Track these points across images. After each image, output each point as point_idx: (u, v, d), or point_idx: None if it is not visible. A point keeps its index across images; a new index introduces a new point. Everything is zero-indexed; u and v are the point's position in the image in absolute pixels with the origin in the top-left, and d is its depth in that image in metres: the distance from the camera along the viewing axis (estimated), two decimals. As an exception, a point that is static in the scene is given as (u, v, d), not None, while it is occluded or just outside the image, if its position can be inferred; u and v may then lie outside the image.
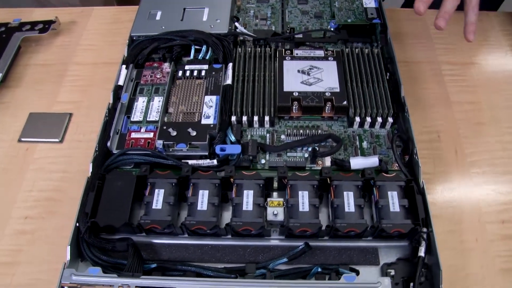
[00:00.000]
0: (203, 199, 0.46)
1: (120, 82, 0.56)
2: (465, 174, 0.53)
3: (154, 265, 0.44)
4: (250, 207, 0.45)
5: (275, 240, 0.47)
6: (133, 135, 0.52)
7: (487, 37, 0.67)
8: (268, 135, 0.54)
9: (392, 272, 0.44)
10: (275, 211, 0.45)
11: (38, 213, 0.52)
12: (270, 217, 0.45)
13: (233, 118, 0.53)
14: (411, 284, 0.43)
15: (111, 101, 0.55)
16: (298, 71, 0.56)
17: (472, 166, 0.54)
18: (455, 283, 0.46)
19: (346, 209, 0.45)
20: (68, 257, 0.44)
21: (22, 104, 0.61)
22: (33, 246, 0.50)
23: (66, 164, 0.55)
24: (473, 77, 0.62)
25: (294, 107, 0.53)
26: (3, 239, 0.50)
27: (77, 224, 0.45)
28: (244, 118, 0.53)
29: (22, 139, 0.58)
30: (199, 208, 0.45)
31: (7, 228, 0.51)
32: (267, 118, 0.53)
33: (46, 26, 0.67)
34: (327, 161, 0.50)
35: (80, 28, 0.70)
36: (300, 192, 0.46)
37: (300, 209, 0.45)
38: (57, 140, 0.57)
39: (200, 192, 0.46)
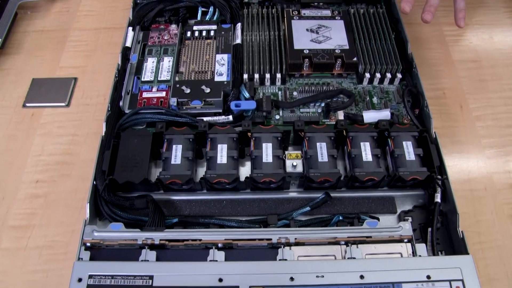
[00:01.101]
0: (222, 153, 0.46)
1: (128, 44, 0.55)
2: (471, 128, 0.55)
3: (175, 220, 0.44)
4: (270, 159, 0.45)
5: (294, 193, 0.47)
6: (145, 94, 0.51)
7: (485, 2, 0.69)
8: (280, 92, 0.54)
9: (410, 219, 0.45)
10: (294, 162, 0.46)
11: (50, 176, 0.51)
12: (289, 169, 0.46)
13: (245, 76, 0.53)
14: (429, 229, 0.44)
15: (119, 62, 0.54)
16: (307, 29, 0.56)
17: (477, 120, 0.55)
18: (468, 228, 0.47)
19: (364, 159, 0.46)
20: (88, 215, 0.43)
21: (24, 71, 0.60)
22: (47, 209, 0.49)
23: (75, 127, 0.54)
24: (473, 37, 0.64)
25: (305, 65, 0.54)
26: (15, 204, 0.49)
27: (95, 183, 0.45)
28: (256, 76, 0.53)
29: (27, 105, 0.56)
30: (219, 161, 0.45)
31: (19, 192, 0.50)
32: (278, 75, 0.53)
33: (43, -10, 0.65)
34: (340, 115, 0.51)
35: (77, -5, 0.69)
36: (318, 144, 0.46)
37: (320, 159, 0.45)
38: (63, 104, 0.56)
39: (219, 146, 0.46)
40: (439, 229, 0.45)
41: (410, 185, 0.47)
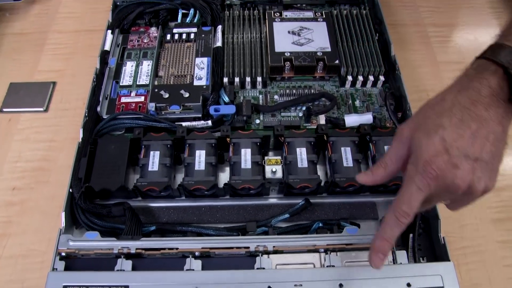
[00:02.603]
0: (200, 159, 0.45)
1: (107, 47, 0.55)
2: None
3: (153, 228, 0.44)
4: (249, 165, 0.45)
5: (273, 199, 0.47)
6: (123, 99, 0.51)
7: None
8: (261, 96, 0.53)
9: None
10: (274, 168, 0.45)
11: (26, 183, 0.50)
12: (268, 175, 0.45)
13: (225, 80, 0.52)
14: (410, 235, 0.44)
15: (98, 66, 0.53)
16: (289, 32, 0.55)
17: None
18: (451, 234, 0.47)
19: (345, 164, 0.45)
20: (63, 224, 0.42)
21: (1, 75, 0.59)
22: (24, 217, 0.48)
23: (53, 133, 0.53)
24: (457, 38, 0.63)
25: (286, 67, 0.53)
26: (-9, 211, 0.48)
27: (71, 190, 0.44)
28: (237, 79, 0.52)
29: (4, 110, 0.55)
30: (196, 168, 0.45)
31: (-6, 199, 0.49)
32: (259, 78, 0.52)
33: (20, -8, 0.64)
34: (322, 119, 0.50)
35: (56, -4, 0.68)
36: (298, 149, 0.46)
37: (299, 165, 0.45)
38: (41, 109, 0.55)
39: (197, 152, 0.46)
40: (421, 235, 0.44)
41: (392, 190, 0.46)
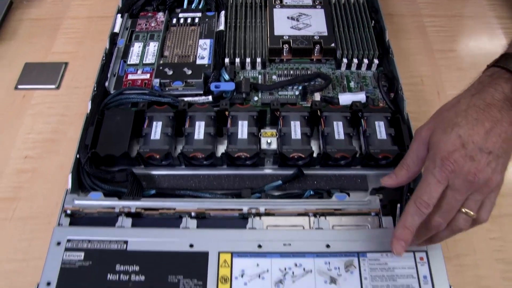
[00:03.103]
0: (200, 129, 0.48)
1: (116, 30, 0.58)
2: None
3: (153, 192, 0.46)
4: (245, 136, 0.47)
5: (268, 169, 0.49)
6: (130, 76, 0.54)
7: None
8: (260, 76, 0.56)
9: (380, 196, 0.47)
10: (269, 140, 0.48)
11: (38, 153, 0.53)
12: (264, 146, 0.48)
13: (226, 60, 0.55)
14: (398, 205, 0.45)
15: (107, 46, 0.56)
16: (288, 17, 0.58)
17: (453, 106, 0.57)
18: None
19: (336, 137, 0.47)
20: (70, 185, 0.45)
21: (17, 56, 0.62)
22: (34, 183, 0.51)
23: (63, 108, 0.57)
24: (454, 28, 0.65)
25: (284, 50, 0.56)
26: (4, 178, 0.51)
27: (78, 156, 0.47)
28: (237, 60, 0.55)
29: (19, 87, 0.59)
30: (196, 137, 0.47)
31: (7, 168, 0.52)
32: (259, 59, 0.55)
33: (39, -19, 0.68)
34: (317, 97, 0.53)
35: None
36: (292, 122, 0.48)
37: (293, 137, 0.47)
38: (53, 86, 0.58)
39: (197, 123, 0.48)
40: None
41: (382, 164, 0.48)
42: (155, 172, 0.49)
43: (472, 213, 0.35)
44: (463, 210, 0.35)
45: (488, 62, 0.56)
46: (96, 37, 0.64)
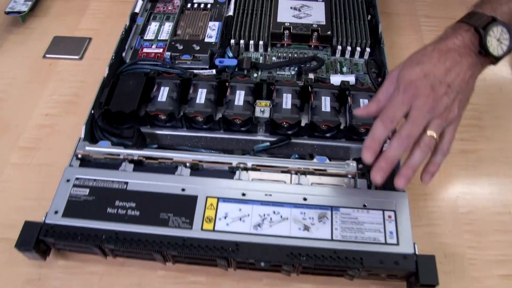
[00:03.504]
0: (201, 95, 0.53)
1: (136, 10, 0.65)
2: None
3: (155, 146, 0.52)
4: (241, 103, 0.52)
5: (261, 136, 0.54)
6: (145, 50, 0.60)
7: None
8: (261, 57, 0.61)
9: (360, 166, 0.51)
10: (262, 109, 0.53)
11: (57, 112, 0.60)
12: (257, 113, 0.53)
13: (232, 41, 0.61)
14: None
15: (127, 23, 0.63)
16: (291, 7, 0.64)
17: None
18: (414, 185, 0.51)
19: (323, 109, 0.52)
20: (83, 135, 0.51)
21: (47, 30, 0.70)
22: (51, 137, 0.57)
23: (84, 75, 0.63)
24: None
25: (285, 35, 0.61)
26: (26, 130, 0.58)
27: (92, 111, 0.53)
28: (242, 42, 0.61)
29: (47, 56, 0.66)
30: (197, 101, 0.53)
31: (30, 122, 0.59)
32: (261, 42, 0.61)
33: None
34: (311, 77, 0.58)
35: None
36: (284, 94, 0.53)
37: (284, 106, 0.52)
38: (77, 57, 0.65)
39: (200, 90, 0.54)
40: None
41: (364, 133, 0.52)
42: (159, 132, 0.54)
43: (435, 135, 0.40)
44: (427, 132, 0.40)
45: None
46: (118, 18, 0.70)
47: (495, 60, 0.44)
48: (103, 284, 0.46)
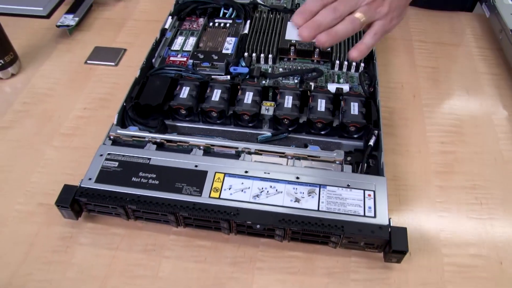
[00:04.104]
0: (216, 94, 0.63)
1: (166, 26, 0.76)
2: (418, 109, 0.69)
3: (175, 134, 0.61)
4: (249, 101, 0.62)
5: (265, 131, 0.63)
6: (172, 58, 0.71)
7: (455, 30, 0.84)
8: (270, 69, 0.71)
9: (349, 158, 0.59)
10: (267, 108, 0.62)
11: (94, 106, 0.70)
12: (263, 111, 0.62)
13: (245, 54, 0.71)
14: (360, 164, 0.58)
15: (158, 36, 0.74)
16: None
17: (426, 106, 0.69)
18: (398, 177, 0.60)
19: (319, 109, 0.61)
20: (115, 121, 0.61)
21: (89, 41, 0.82)
22: (87, 126, 0.67)
23: (118, 78, 0.74)
24: (438, 52, 0.79)
25: (291, 50, 0.71)
26: (67, 121, 0.68)
27: (124, 104, 0.63)
28: (254, 54, 0.71)
29: (88, 62, 0.77)
30: (213, 99, 0.62)
31: (70, 114, 0.69)
32: (270, 56, 0.71)
33: (114, -8, 0.89)
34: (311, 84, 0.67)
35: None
36: (286, 96, 0.63)
37: (285, 105, 0.61)
38: (113, 63, 0.77)
39: (215, 90, 0.64)
40: (371, 167, 0.58)
41: (354, 135, 0.61)
42: (179, 124, 0.64)
43: (359, 16, 0.47)
44: (357, 13, 0.47)
45: (462, 80, 0.71)
46: (149, 34, 0.82)
47: None
48: (123, 243, 0.54)
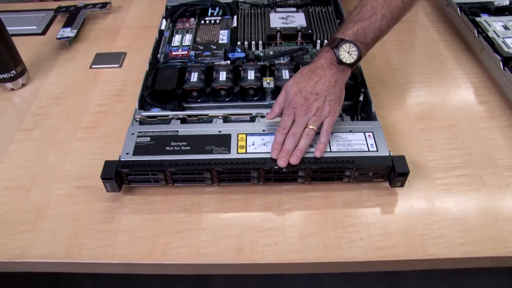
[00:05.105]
0: (223, 75, 0.72)
1: (162, 27, 0.85)
2: (392, 72, 0.81)
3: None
4: (252, 77, 0.71)
5: (269, 101, 0.72)
6: (174, 53, 0.79)
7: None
8: (261, 53, 0.81)
9: (344, 114, 0.69)
10: (268, 81, 0.72)
11: (108, 102, 0.77)
12: (265, 84, 0.71)
13: (238, 43, 0.81)
14: (355, 116, 0.68)
15: (157, 36, 0.83)
16: (279, 18, 0.85)
17: (397, 70, 0.82)
18: (386, 126, 0.71)
19: (313, 77, 0.71)
20: (137, 106, 0.68)
21: (89, 50, 0.88)
22: (106, 118, 0.74)
23: (125, 77, 0.81)
24: (398, 28, 0.92)
25: (277, 36, 0.82)
26: (86, 116, 0.74)
27: (142, 92, 0.71)
28: (246, 43, 0.81)
29: (93, 66, 0.84)
30: (220, 79, 0.71)
31: (87, 110, 0.75)
32: (260, 42, 0.81)
33: (103, 4, 0.97)
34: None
35: (126, 8, 1.00)
36: (283, 70, 0.72)
37: (283, 77, 0.71)
38: (117, 65, 0.84)
39: (221, 72, 0.72)
40: (364, 119, 0.68)
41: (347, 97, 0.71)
42: (193, 105, 0.72)
43: (312, 127, 0.59)
44: (309, 126, 0.59)
45: (422, 47, 0.83)
46: (145, 38, 0.90)
47: (351, 66, 0.61)
48: (163, 207, 0.61)
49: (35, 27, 0.93)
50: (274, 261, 0.55)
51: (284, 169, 0.58)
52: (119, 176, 0.59)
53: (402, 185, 0.60)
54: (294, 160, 0.57)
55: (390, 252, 0.55)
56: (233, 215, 0.59)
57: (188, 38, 0.82)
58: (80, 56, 0.87)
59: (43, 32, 0.92)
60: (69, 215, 0.60)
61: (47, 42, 0.91)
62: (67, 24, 0.91)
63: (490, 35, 0.80)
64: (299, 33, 0.82)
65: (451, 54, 0.86)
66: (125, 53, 0.87)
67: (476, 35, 0.82)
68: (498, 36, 0.80)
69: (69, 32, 0.88)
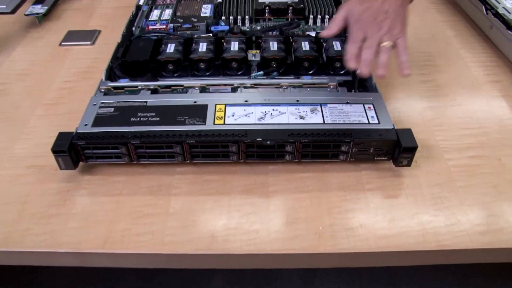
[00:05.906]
0: (202, 46, 0.63)
1: (140, 3, 0.77)
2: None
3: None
4: (236, 48, 0.63)
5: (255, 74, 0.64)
6: (151, 27, 0.71)
7: None
8: (248, 29, 0.73)
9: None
10: (254, 53, 0.63)
11: (75, 79, 0.68)
12: (250, 57, 0.63)
13: (223, 17, 0.73)
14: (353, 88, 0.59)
15: (134, 11, 0.75)
16: (269, -7, 0.78)
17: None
18: (387, 101, 0.62)
19: (303, 48, 0.63)
20: (104, 78, 0.60)
21: (61, 28, 0.80)
22: (71, 95, 0.65)
23: (97, 54, 0.73)
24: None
25: (266, 11, 0.74)
26: (49, 92, 0.66)
27: (110, 64, 0.62)
28: (231, 17, 0.73)
29: (62, 43, 0.76)
30: (200, 50, 0.63)
31: (52, 86, 0.67)
32: (247, 17, 0.73)
33: (81, -15, 0.89)
34: (291, 36, 0.70)
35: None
36: (271, 42, 0.64)
37: (271, 48, 0.63)
38: (89, 43, 0.76)
39: (200, 43, 0.64)
40: (362, 91, 0.60)
41: (340, 72, 0.63)
42: (168, 80, 0.63)
43: (387, 44, 0.52)
44: (383, 43, 0.52)
45: (426, 28, 0.75)
46: (122, 17, 0.81)
47: None
48: (126, 188, 0.51)
49: (4, 6, 0.85)
50: (254, 251, 0.45)
51: (269, 142, 0.49)
52: (74, 150, 0.50)
53: (409, 164, 0.51)
54: (384, 71, 0.51)
55: (396, 242, 0.46)
56: (207, 198, 0.50)
57: (168, 13, 0.74)
58: (51, 34, 0.79)
59: (13, 11, 0.84)
60: (14, 197, 0.51)
61: (15, 21, 0.83)
62: (38, 1, 0.83)
63: (500, 12, 0.73)
64: (290, 8, 0.74)
65: (456, 33, 0.78)
66: (99, 31, 0.79)
67: (485, 11, 0.75)
68: (509, 12, 0.72)
69: (39, 9, 0.81)
